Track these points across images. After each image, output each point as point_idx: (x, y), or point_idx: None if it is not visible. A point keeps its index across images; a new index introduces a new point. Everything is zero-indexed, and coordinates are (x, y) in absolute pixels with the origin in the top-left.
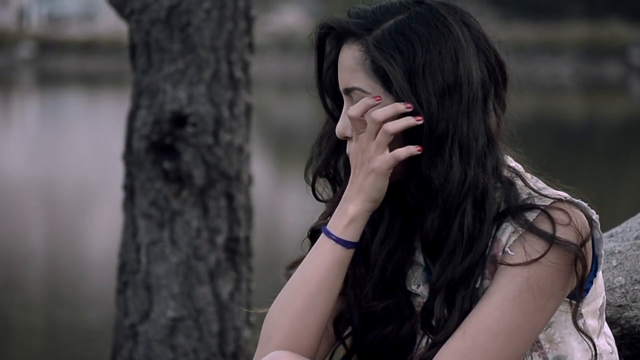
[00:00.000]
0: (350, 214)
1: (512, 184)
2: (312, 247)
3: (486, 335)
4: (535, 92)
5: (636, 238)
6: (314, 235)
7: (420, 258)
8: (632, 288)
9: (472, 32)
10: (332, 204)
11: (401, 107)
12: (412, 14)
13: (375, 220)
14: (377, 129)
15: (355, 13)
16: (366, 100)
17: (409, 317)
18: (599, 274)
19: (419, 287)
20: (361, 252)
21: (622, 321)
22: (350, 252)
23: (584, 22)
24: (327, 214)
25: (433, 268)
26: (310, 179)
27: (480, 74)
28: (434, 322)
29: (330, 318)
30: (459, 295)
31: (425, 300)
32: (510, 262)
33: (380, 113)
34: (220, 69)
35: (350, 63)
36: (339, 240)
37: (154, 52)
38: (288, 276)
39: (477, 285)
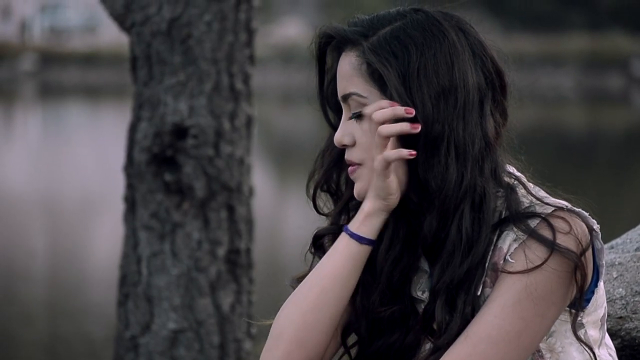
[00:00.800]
0: (365, 210)
1: (513, 190)
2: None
3: (487, 342)
4: (536, 104)
5: (636, 250)
6: (316, 242)
7: (425, 265)
8: (632, 300)
9: (468, 38)
10: (333, 217)
11: (400, 111)
12: (408, 21)
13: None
14: (375, 130)
15: (354, 22)
16: (396, 110)
17: (414, 324)
18: (601, 284)
19: (423, 293)
20: (368, 260)
21: (623, 333)
22: (364, 249)
23: (585, 33)
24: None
25: (433, 271)
26: (311, 192)
27: (476, 79)
28: (434, 326)
29: (340, 324)
30: (459, 300)
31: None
32: (511, 269)
33: (378, 114)
34: (221, 81)
35: (347, 69)
36: (353, 235)
37: (155, 64)
38: (294, 288)
39: (479, 293)
